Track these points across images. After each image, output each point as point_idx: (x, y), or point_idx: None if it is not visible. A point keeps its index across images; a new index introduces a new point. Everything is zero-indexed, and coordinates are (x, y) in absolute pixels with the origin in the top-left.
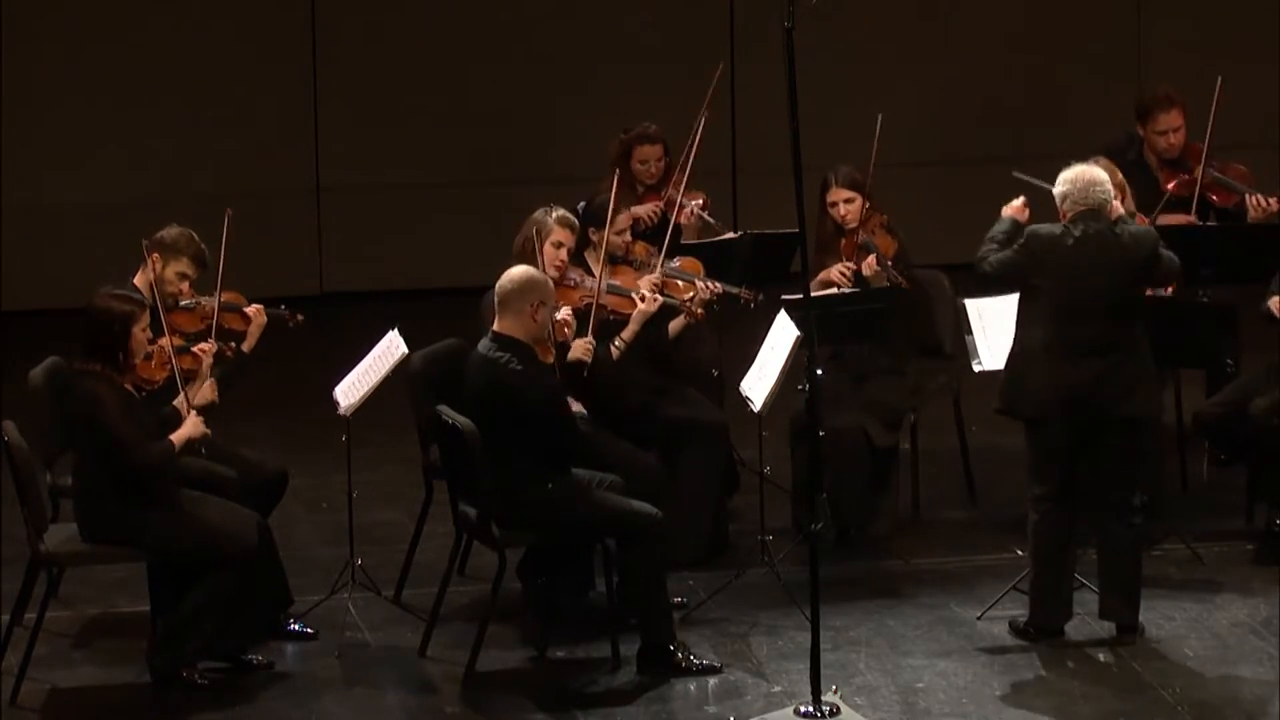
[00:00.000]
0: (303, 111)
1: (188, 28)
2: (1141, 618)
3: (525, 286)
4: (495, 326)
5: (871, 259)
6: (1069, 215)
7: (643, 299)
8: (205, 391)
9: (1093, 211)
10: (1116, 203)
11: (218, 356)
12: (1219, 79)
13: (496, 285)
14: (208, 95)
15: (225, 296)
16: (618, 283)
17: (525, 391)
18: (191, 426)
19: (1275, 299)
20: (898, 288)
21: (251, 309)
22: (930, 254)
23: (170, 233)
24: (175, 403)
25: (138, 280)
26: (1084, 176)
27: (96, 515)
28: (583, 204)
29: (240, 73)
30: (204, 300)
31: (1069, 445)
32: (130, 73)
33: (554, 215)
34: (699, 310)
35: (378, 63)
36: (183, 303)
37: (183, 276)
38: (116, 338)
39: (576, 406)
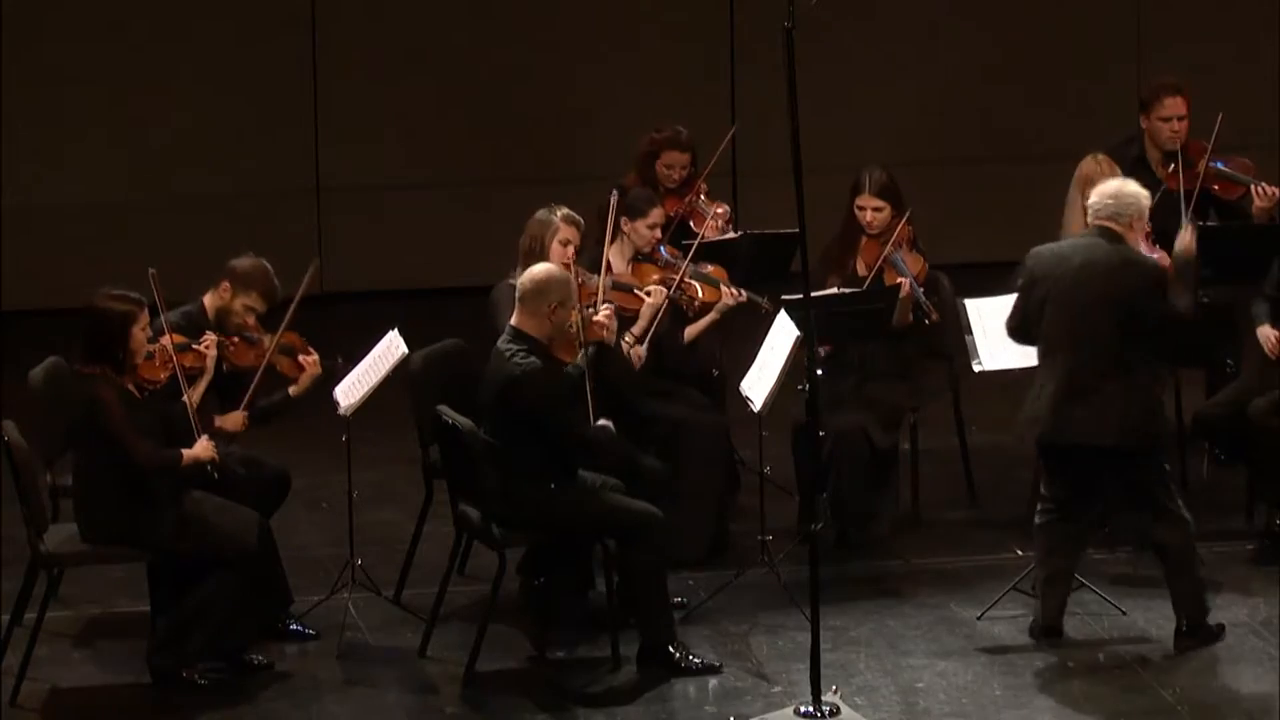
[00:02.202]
0: (303, 111)
1: (187, 27)
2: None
3: (545, 287)
4: (513, 320)
5: (905, 283)
6: (1089, 226)
7: (649, 294)
8: (235, 419)
9: (1104, 228)
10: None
11: (232, 372)
12: (1219, 115)
13: (518, 281)
14: (207, 95)
15: (286, 339)
16: (624, 280)
17: (524, 384)
18: (201, 449)
19: (1264, 328)
20: (927, 316)
21: (309, 359)
22: (930, 254)
23: (244, 263)
24: (182, 401)
25: (206, 300)
26: (1119, 190)
27: (96, 515)
28: (615, 192)
29: (240, 72)
30: (265, 337)
31: (1058, 459)
32: (130, 73)
33: (559, 213)
34: (696, 306)
35: (378, 62)
36: (245, 334)
37: (249, 310)
38: (116, 338)
39: (605, 420)
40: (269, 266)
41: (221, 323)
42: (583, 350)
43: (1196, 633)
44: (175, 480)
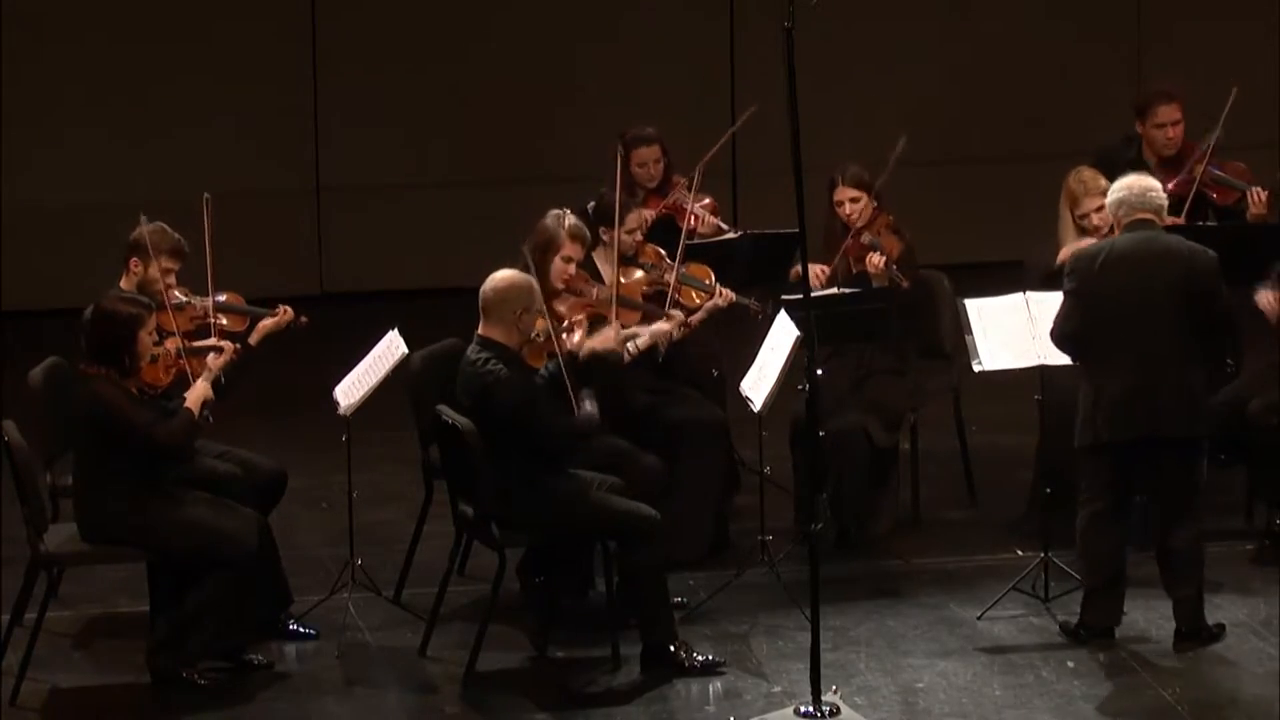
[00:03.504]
0: (303, 111)
1: (188, 28)
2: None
3: (508, 295)
4: (479, 330)
5: (874, 256)
6: (1123, 223)
7: (668, 317)
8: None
9: (1145, 220)
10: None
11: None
12: (1234, 89)
13: (480, 289)
14: (208, 95)
15: (226, 297)
16: (630, 298)
17: (497, 392)
18: (199, 389)
19: (1263, 293)
20: (897, 287)
21: (276, 316)
22: (931, 254)
23: (141, 232)
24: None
25: (123, 284)
26: (1139, 183)
27: (96, 515)
28: (591, 204)
29: (240, 73)
30: (196, 300)
31: (1118, 455)
32: (130, 73)
33: (565, 225)
34: (695, 320)
35: (378, 62)
36: (174, 301)
37: (168, 271)
38: (123, 341)
39: (590, 406)
40: (163, 225)
41: (148, 296)
42: (550, 360)
43: (1196, 633)
44: (190, 458)
